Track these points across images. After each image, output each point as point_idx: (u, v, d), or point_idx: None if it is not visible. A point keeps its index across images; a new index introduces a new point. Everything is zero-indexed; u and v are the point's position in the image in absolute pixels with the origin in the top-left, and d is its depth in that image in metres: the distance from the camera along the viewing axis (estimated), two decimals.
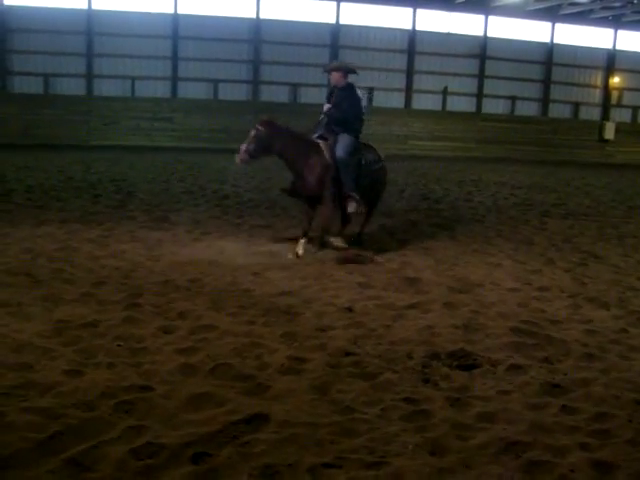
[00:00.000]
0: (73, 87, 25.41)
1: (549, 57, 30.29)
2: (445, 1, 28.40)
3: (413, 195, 14.14)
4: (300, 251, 7.70)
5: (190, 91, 26.62)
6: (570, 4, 28.76)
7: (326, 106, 8.02)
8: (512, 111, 30.40)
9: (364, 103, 8.23)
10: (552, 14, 29.52)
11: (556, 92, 30.82)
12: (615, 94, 31.61)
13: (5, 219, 9.28)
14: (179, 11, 25.90)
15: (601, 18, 30.05)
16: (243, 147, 7.67)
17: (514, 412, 3.90)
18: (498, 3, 28.47)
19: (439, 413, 3.85)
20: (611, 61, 31.03)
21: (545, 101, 30.76)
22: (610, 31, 30.79)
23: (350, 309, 5.77)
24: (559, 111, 31.15)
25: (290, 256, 7.64)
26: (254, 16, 26.72)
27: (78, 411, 3.67)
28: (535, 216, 11.90)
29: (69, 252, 7.49)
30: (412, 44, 28.47)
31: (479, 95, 29.88)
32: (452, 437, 3.58)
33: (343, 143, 7.80)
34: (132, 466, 3.18)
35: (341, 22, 27.66)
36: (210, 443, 3.40)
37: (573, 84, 31.05)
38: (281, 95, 27.66)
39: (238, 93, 27.21)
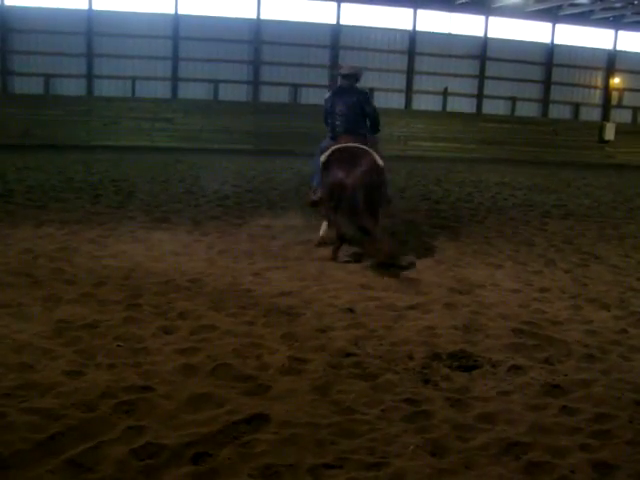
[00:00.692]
0: (73, 87, 25.40)
1: (549, 58, 30.28)
2: (445, 2, 28.39)
3: (413, 196, 14.14)
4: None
5: (190, 91, 26.62)
6: (570, 5, 28.75)
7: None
8: (512, 112, 30.40)
9: None
10: (552, 15, 29.51)
11: (556, 93, 30.81)
12: (615, 95, 31.59)
13: (5, 219, 9.28)
14: (180, 11, 25.89)
15: (602, 19, 30.04)
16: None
17: (514, 413, 3.90)
18: (498, 4, 28.47)
19: (439, 414, 3.85)
20: (611, 62, 31.02)
21: (545, 102, 30.77)
22: (611, 32, 30.77)
23: (351, 310, 5.77)
24: (559, 112, 31.15)
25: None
26: (255, 17, 26.71)
27: (78, 411, 3.66)
28: (535, 217, 11.90)
29: (69, 252, 7.49)
30: (412, 45, 28.46)
31: (479, 96, 29.87)
32: (452, 438, 3.58)
33: None
34: (132, 466, 3.18)
35: (341, 23, 27.65)
36: (210, 443, 3.40)
37: (573, 85, 31.04)
38: (281, 96, 27.65)
39: (238, 94, 27.20)
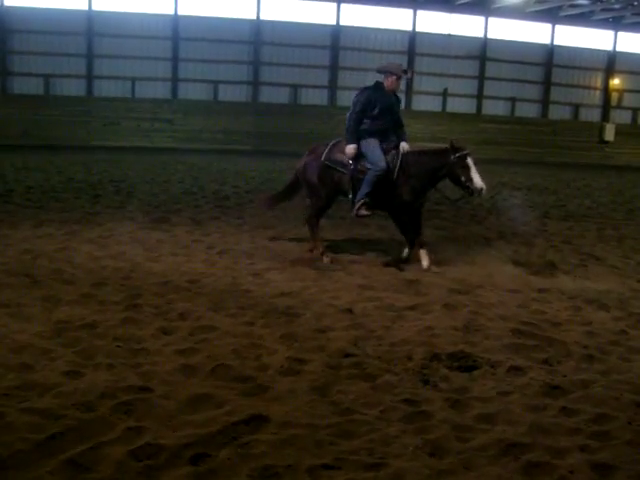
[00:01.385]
0: (73, 88, 25.43)
1: (549, 59, 30.30)
2: (445, 2, 28.41)
3: None
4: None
5: (190, 92, 26.64)
6: (570, 6, 28.77)
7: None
8: (512, 113, 30.41)
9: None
10: (552, 16, 29.53)
11: (556, 94, 30.83)
12: (615, 96, 31.61)
13: (5, 220, 9.27)
14: (179, 12, 25.93)
15: (601, 20, 30.07)
16: None
17: (514, 413, 3.90)
18: (498, 4, 28.49)
19: (439, 414, 3.85)
20: (611, 63, 31.04)
21: (545, 102, 30.78)
22: (610, 33, 30.81)
23: (350, 310, 5.76)
24: (559, 112, 31.16)
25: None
26: (254, 17, 26.74)
27: (77, 412, 3.66)
28: (535, 217, 11.89)
29: (69, 253, 7.49)
30: (412, 45, 28.49)
31: (479, 96, 29.90)
32: (452, 438, 3.58)
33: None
34: (131, 467, 3.18)
35: (341, 23, 27.68)
36: (209, 444, 3.40)
37: (573, 86, 31.06)
38: (281, 96, 27.67)
39: (238, 94, 27.22)
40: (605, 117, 31.53)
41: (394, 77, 7.53)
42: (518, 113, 30.44)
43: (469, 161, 7.16)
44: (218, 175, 16.20)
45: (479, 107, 30.01)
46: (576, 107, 31.31)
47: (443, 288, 6.64)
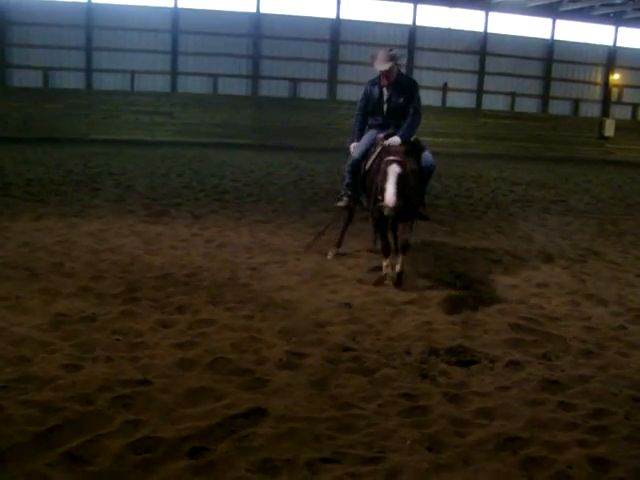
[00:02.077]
0: (72, 81, 25.36)
1: (549, 54, 30.24)
2: None
3: None
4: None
5: (190, 85, 26.58)
6: (571, 1, 28.69)
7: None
8: (512, 107, 30.37)
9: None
10: (553, 11, 29.46)
11: (556, 89, 30.78)
12: (615, 91, 31.57)
13: (4, 213, 9.26)
14: (179, 5, 25.84)
15: (602, 15, 29.99)
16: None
17: (512, 408, 3.91)
18: None
19: (437, 409, 3.85)
20: (611, 58, 30.98)
21: (545, 98, 30.73)
22: (611, 28, 30.74)
23: (348, 304, 5.76)
24: (559, 108, 31.12)
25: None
26: (254, 10, 26.65)
27: (76, 405, 3.67)
28: (534, 213, 11.89)
29: (68, 246, 7.49)
30: (412, 40, 28.41)
31: (479, 91, 29.84)
32: (450, 433, 3.59)
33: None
34: (130, 460, 3.18)
35: (341, 17, 27.60)
36: (208, 437, 3.40)
37: (573, 81, 31.00)
38: (281, 90, 27.61)
39: (238, 88, 27.16)
40: (605, 112, 31.49)
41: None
42: (518, 108, 30.39)
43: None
44: (217, 168, 16.18)
45: (479, 102, 29.95)
46: (576, 102, 31.26)
47: (442, 283, 6.64)
